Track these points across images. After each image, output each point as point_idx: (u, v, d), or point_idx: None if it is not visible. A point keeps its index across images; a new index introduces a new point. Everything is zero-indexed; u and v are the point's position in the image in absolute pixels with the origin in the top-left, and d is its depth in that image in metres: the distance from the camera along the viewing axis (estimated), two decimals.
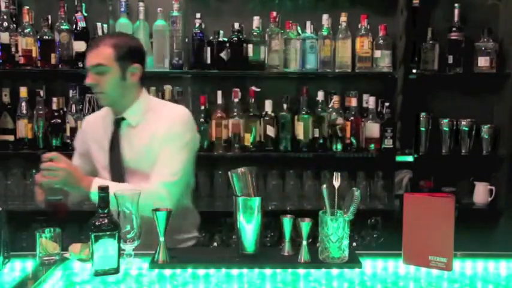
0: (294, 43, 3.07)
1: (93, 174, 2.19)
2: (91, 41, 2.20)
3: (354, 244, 3.01)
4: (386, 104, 3.12)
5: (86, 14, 3.08)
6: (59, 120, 3.06)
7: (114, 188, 1.79)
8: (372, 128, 3.09)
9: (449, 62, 3.11)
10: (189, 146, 2.14)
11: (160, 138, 2.09)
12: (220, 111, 3.10)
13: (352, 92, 3.13)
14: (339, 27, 3.09)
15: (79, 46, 3.02)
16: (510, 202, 3.11)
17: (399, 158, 3.09)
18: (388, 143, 3.09)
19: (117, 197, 1.73)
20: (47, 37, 3.03)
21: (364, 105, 3.16)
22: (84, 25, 3.04)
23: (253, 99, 3.10)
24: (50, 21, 3.10)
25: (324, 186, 1.80)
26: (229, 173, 1.90)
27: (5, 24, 3.01)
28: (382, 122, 3.10)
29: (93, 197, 1.99)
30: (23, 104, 3.04)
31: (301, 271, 1.73)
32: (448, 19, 3.14)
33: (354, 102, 3.12)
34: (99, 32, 3.05)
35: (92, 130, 2.26)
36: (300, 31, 3.11)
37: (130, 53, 2.09)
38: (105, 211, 1.67)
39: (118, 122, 2.16)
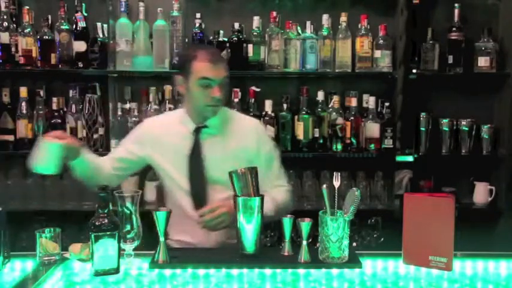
0: (294, 43, 3.06)
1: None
2: (204, 53, 2.07)
3: (354, 244, 3.01)
4: (387, 104, 3.12)
5: (86, 14, 3.08)
6: (59, 120, 3.06)
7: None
8: (372, 128, 3.09)
9: (449, 62, 3.10)
10: None
11: (261, 154, 2.19)
12: None
13: (352, 92, 3.12)
14: (339, 27, 3.09)
15: (79, 46, 3.02)
16: (510, 202, 3.11)
17: (399, 158, 3.09)
18: (388, 143, 3.09)
19: (117, 197, 1.74)
20: (47, 37, 3.03)
21: (364, 105, 3.15)
22: (84, 25, 3.04)
23: (253, 99, 3.10)
24: (50, 21, 3.10)
25: (324, 186, 1.81)
26: (229, 173, 1.91)
27: (5, 24, 3.01)
28: (382, 122, 3.10)
29: None
30: (23, 104, 3.04)
31: (301, 271, 1.73)
32: (448, 19, 3.14)
33: (354, 102, 3.12)
34: (99, 32, 3.05)
35: (162, 137, 2.20)
36: (300, 31, 3.11)
37: None
38: (105, 211, 1.67)
39: (198, 131, 2.17)
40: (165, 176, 2.22)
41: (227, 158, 2.14)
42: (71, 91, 3.07)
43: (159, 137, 2.21)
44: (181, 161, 2.15)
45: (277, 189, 2.22)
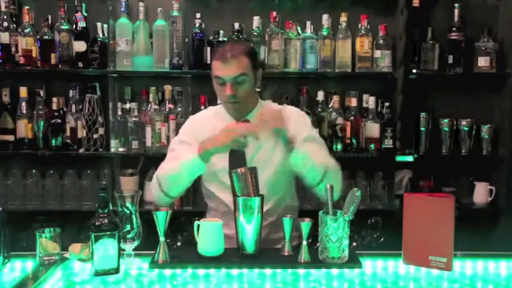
0: (294, 43, 3.06)
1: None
2: (220, 51, 2.07)
3: (354, 244, 3.01)
4: (387, 104, 3.12)
5: (86, 14, 3.08)
6: (59, 120, 3.06)
7: None
8: (372, 128, 3.09)
9: (449, 62, 3.10)
10: None
11: (307, 137, 2.14)
12: None
13: (352, 92, 3.12)
14: (339, 27, 3.09)
15: (79, 46, 3.02)
16: (510, 202, 3.11)
17: (399, 158, 3.09)
18: (388, 143, 3.08)
19: (117, 197, 1.74)
20: (47, 37, 3.03)
21: (364, 105, 3.15)
22: (84, 25, 3.04)
23: None
24: (50, 21, 3.10)
25: (328, 186, 1.81)
26: (229, 172, 1.91)
27: (5, 24, 3.01)
28: (382, 122, 3.10)
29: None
30: (23, 104, 3.04)
31: (301, 271, 1.73)
32: (448, 19, 3.14)
33: (354, 102, 3.12)
34: (99, 32, 3.05)
35: (204, 132, 2.18)
36: (300, 31, 3.11)
37: (257, 59, 2.16)
38: (105, 211, 1.67)
39: None
40: (207, 170, 2.18)
41: (267, 152, 2.13)
42: (71, 91, 3.07)
43: (205, 131, 2.18)
44: (224, 155, 2.13)
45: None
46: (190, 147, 2.15)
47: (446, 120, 3.16)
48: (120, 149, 3.10)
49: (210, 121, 2.22)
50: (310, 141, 2.15)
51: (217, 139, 1.99)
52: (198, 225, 1.83)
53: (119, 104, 3.13)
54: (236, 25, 3.05)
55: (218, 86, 2.09)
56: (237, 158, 2.11)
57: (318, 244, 1.80)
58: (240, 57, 2.05)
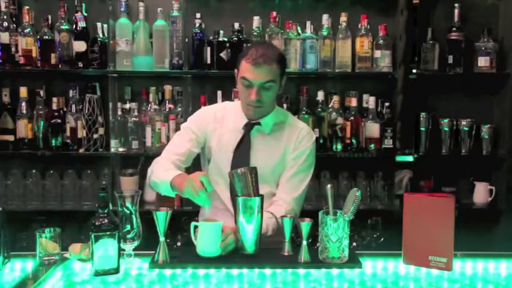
0: (294, 43, 3.06)
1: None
2: (252, 54, 2.02)
3: (354, 244, 3.01)
4: (386, 104, 3.12)
5: (86, 14, 3.08)
6: (59, 120, 3.06)
7: None
8: (372, 128, 3.09)
9: (449, 62, 3.10)
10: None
11: (292, 156, 2.16)
12: None
13: (352, 92, 3.12)
14: (339, 27, 3.09)
15: (79, 46, 3.02)
16: (510, 202, 3.11)
17: (399, 158, 3.09)
18: (388, 143, 3.09)
19: (117, 197, 1.74)
20: (47, 37, 3.03)
21: (364, 105, 3.15)
22: (84, 25, 3.04)
23: None
24: (50, 21, 3.10)
25: (329, 186, 1.81)
26: (229, 173, 1.91)
27: (5, 24, 3.01)
28: (382, 122, 3.10)
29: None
30: (23, 104, 3.04)
31: (301, 271, 1.74)
32: (448, 19, 3.14)
33: (354, 102, 3.12)
34: (99, 32, 3.05)
35: (216, 124, 2.19)
36: (300, 31, 3.11)
37: (285, 66, 2.16)
38: (105, 211, 1.67)
39: (249, 126, 2.15)
40: (210, 164, 2.20)
41: (271, 159, 2.14)
42: (71, 91, 3.07)
43: (215, 123, 2.20)
44: (229, 152, 2.14)
45: (280, 204, 2.14)
46: (192, 137, 2.18)
47: (446, 120, 3.16)
48: (120, 149, 3.11)
49: (231, 117, 2.19)
50: (291, 165, 2.16)
51: (182, 184, 1.94)
52: (195, 226, 1.83)
53: (119, 104, 3.13)
54: (236, 25, 3.05)
55: (243, 87, 2.08)
56: (240, 157, 2.12)
57: (318, 244, 1.80)
58: (272, 63, 2.04)
